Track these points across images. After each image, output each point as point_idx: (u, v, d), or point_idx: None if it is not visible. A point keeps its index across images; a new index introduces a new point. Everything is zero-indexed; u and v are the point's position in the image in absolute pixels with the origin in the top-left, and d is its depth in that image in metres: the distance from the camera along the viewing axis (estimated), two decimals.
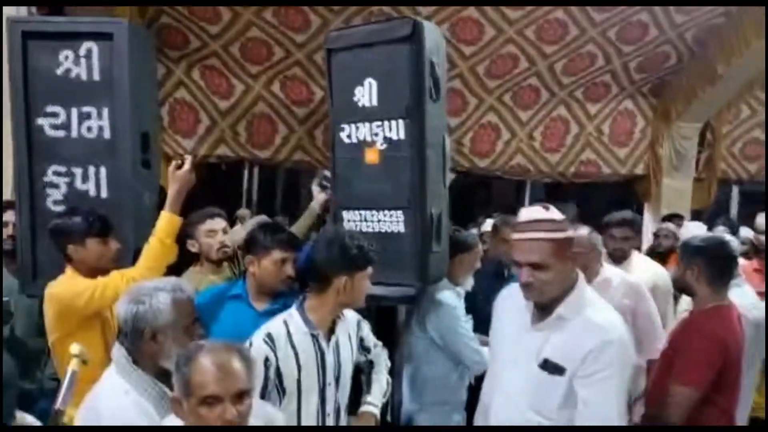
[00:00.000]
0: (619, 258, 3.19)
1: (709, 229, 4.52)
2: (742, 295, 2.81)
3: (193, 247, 2.81)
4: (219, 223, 2.84)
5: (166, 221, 2.43)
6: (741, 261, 3.57)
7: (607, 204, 6.57)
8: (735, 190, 6.91)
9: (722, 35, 5.12)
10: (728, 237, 2.80)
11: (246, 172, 6.95)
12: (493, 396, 1.98)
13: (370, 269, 1.95)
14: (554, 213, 1.82)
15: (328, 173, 2.72)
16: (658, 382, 2.51)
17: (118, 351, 1.70)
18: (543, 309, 1.86)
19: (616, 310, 1.91)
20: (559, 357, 1.80)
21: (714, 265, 2.43)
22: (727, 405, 2.44)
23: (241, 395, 1.41)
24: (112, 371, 1.68)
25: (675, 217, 5.34)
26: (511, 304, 1.96)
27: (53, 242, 2.46)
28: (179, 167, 2.49)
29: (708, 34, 5.21)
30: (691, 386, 2.31)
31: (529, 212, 1.84)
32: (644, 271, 3.18)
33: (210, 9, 4.87)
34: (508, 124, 5.87)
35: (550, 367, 1.82)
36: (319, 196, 2.86)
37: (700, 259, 2.44)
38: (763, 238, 4.10)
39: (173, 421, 1.49)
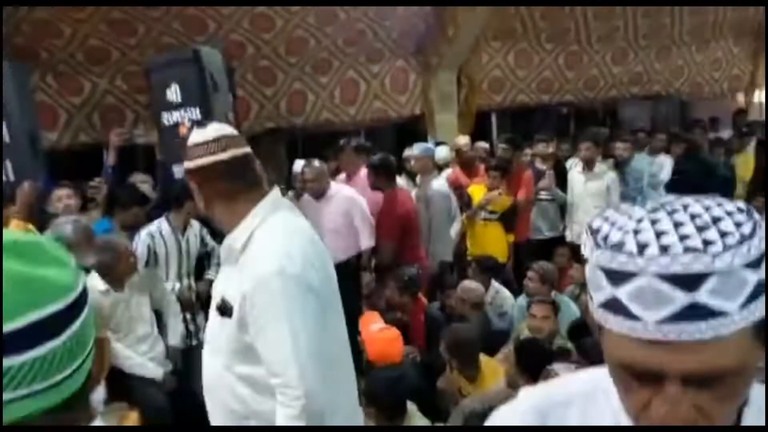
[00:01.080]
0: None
1: None
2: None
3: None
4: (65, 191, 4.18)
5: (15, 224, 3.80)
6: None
7: (401, 140, 8.61)
8: (493, 116, 9.11)
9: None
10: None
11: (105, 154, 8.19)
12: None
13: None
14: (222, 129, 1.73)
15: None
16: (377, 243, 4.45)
17: None
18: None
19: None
20: (230, 296, 1.65)
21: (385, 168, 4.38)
22: (412, 245, 4.44)
23: None
24: None
25: (441, 144, 7.33)
26: None
27: None
28: None
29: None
30: (388, 239, 4.25)
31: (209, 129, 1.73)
32: None
33: (53, 26, 6.12)
34: (312, 88, 7.60)
35: (224, 307, 1.67)
36: None
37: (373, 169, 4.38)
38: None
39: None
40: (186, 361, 3.60)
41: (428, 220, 4.81)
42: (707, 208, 0.67)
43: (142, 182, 4.35)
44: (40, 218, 4.05)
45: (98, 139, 6.92)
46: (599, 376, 0.80)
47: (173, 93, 4.05)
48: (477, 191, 5.39)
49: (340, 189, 4.65)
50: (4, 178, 4.25)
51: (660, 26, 8.39)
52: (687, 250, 0.63)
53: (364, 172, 4.80)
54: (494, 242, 5.16)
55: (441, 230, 5.01)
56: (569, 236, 5.54)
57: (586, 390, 0.84)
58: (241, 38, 6.73)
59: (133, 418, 3.13)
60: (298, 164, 4.96)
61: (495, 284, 4.55)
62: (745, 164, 7.53)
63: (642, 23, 8.22)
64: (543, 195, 5.62)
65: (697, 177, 6.60)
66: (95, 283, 3.27)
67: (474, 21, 7.21)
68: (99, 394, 2.99)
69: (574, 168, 5.73)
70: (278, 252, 1.62)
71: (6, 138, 4.22)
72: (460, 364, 3.27)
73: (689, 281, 0.63)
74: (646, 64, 8.78)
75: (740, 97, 9.74)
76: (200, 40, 6.49)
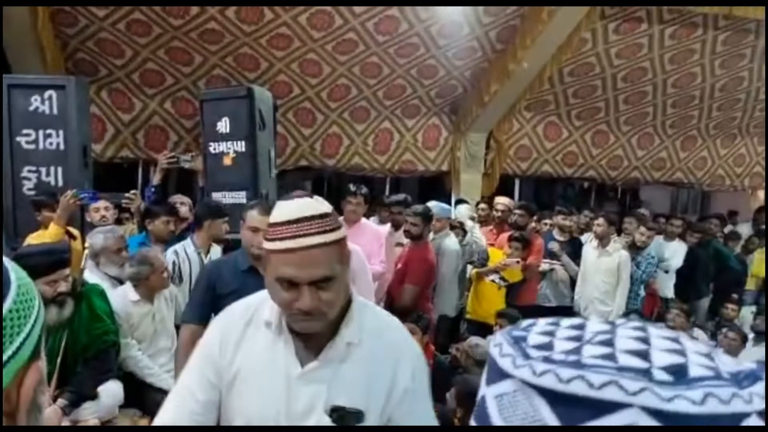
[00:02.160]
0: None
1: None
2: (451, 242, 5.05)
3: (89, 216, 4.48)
4: (102, 204, 4.41)
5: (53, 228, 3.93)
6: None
7: (422, 192, 8.86)
8: (517, 182, 9.37)
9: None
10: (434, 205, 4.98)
11: (140, 170, 8.50)
12: None
13: (225, 218, 3.89)
14: (324, 202, 1.36)
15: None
16: (396, 286, 4.64)
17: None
18: (312, 339, 1.39)
19: None
20: (358, 397, 1.36)
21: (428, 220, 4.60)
22: (427, 295, 4.63)
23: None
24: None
25: (461, 202, 7.58)
26: (250, 346, 1.43)
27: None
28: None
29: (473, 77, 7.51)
30: (415, 284, 4.45)
31: (294, 206, 1.33)
32: None
33: (115, 47, 6.54)
34: (348, 134, 7.93)
35: (345, 415, 1.36)
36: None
37: (419, 217, 4.60)
38: (497, 213, 6.40)
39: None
40: None
41: (438, 275, 5.02)
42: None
43: (181, 203, 4.61)
44: (81, 226, 4.33)
45: (140, 156, 7.29)
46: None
47: (223, 125, 4.35)
48: (495, 254, 5.59)
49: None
50: (52, 182, 4.55)
51: (687, 117, 8.66)
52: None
53: (365, 222, 4.73)
54: (496, 306, 5.30)
55: (448, 285, 5.23)
56: (576, 308, 5.69)
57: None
58: (289, 80, 7.11)
59: (142, 424, 3.32)
60: None
61: None
62: (761, 261, 7.65)
63: (670, 112, 8.50)
64: (553, 264, 5.79)
65: (709, 266, 6.76)
66: (128, 292, 3.50)
67: (509, 90, 7.54)
68: (117, 397, 3.19)
69: (589, 243, 5.91)
70: (402, 328, 1.52)
71: (61, 146, 4.54)
72: (466, 414, 3.41)
73: None
74: (671, 151, 9.02)
75: (760, 194, 9.91)
76: (251, 76, 6.90)
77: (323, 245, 1.30)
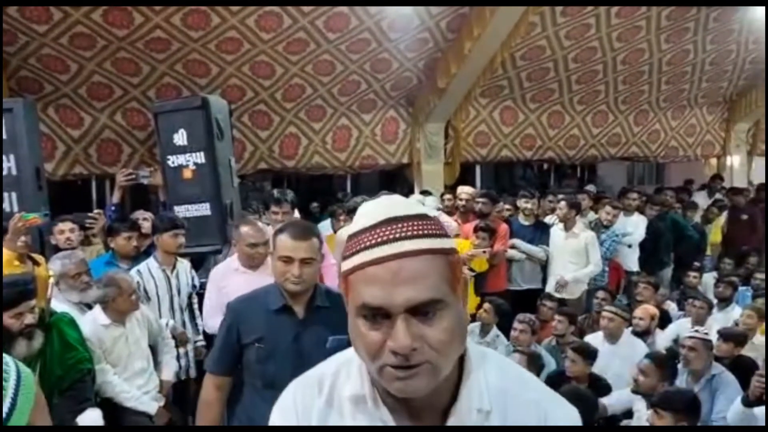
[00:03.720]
0: None
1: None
2: None
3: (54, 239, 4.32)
4: (67, 225, 4.25)
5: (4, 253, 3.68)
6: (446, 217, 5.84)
7: (383, 186, 8.86)
8: (478, 168, 9.44)
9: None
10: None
11: (94, 186, 8.25)
12: None
13: (176, 231, 3.81)
14: (420, 205, 1.10)
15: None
16: None
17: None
18: (420, 411, 0.97)
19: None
20: None
21: None
22: None
23: None
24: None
25: (425, 193, 7.61)
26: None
27: None
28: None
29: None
30: None
31: (380, 206, 0.97)
32: None
33: (59, 62, 6.33)
34: (306, 133, 7.86)
35: None
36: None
37: None
38: (461, 202, 6.44)
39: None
40: (178, 396, 3.72)
41: None
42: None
43: (144, 219, 4.51)
44: (41, 251, 4.20)
45: (94, 172, 7.10)
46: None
47: (180, 137, 4.26)
48: (461, 244, 5.62)
49: None
50: (7, 209, 4.40)
51: (638, 92, 8.84)
52: None
53: None
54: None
55: None
56: (548, 289, 5.77)
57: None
58: (241, 83, 7.00)
59: None
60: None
61: (496, 330, 4.72)
62: (716, 229, 7.91)
63: (622, 88, 8.67)
64: (516, 253, 5.85)
65: (668, 237, 6.94)
66: (97, 316, 3.42)
67: (464, 78, 7.57)
68: (97, 425, 3.11)
69: (556, 225, 6.00)
70: (541, 384, 1.10)
71: (13, 170, 4.39)
72: None
73: None
74: (624, 127, 9.21)
75: (713, 162, 10.21)
76: (202, 82, 6.77)
77: (425, 253, 0.89)
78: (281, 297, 2.34)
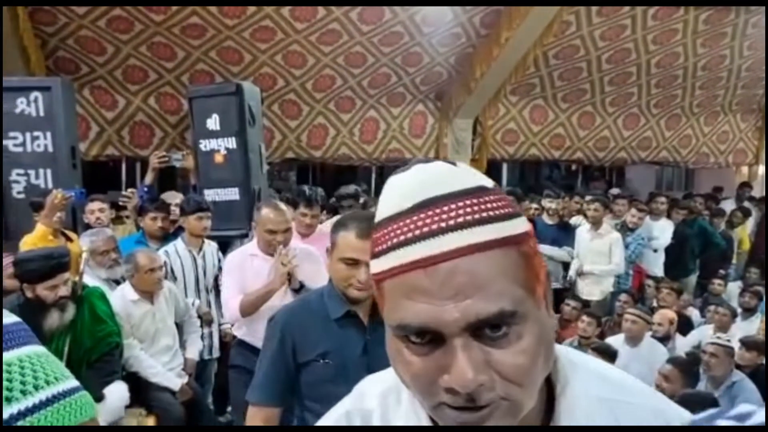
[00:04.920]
0: None
1: None
2: None
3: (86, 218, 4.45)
4: (98, 204, 4.39)
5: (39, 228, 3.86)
6: None
7: None
8: (504, 167, 9.42)
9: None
10: None
11: (124, 167, 8.40)
12: None
13: (200, 213, 3.86)
14: (476, 172, 0.72)
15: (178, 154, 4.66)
16: None
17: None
18: None
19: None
20: None
21: None
22: None
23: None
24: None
25: None
26: None
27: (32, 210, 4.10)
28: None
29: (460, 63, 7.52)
30: None
31: (418, 179, 0.68)
32: None
33: (96, 44, 6.46)
34: (334, 124, 7.91)
35: None
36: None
37: None
38: None
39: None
40: (201, 374, 3.80)
41: None
42: None
43: (176, 204, 4.59)
44: (74, 228, 4.31)
45: (125, 153, 7.23)
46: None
47: (213, 122, 4.33)
48: None
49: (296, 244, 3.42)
50: (42, 185, 4.51)
51: (671, 96, 8.73)
52: None
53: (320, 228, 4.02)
54: None
55: None
56: (573, 289, 5.77)
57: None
58: (273, 72, 7.06)
59: (149, 423, 3.33)
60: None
61: None
62: (744, 236, 7.80)
63: (655, 91, 8.57)
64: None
65: (695, 243, 6.86)
66: (127, 292, 3.50)
67: (495, 75, 7.55)
68: (123, 398, 3.19)
69: (582, 226, 5.98)
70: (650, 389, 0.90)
71: (49, 147, 4.49)
72: None
73: None
74: (656, 131, 9.10)
75: (744, 170, 10.05)
76: (234, 70, 6.85)
77: (487, 247, 0.63)
78: (343, 303, 1.95)
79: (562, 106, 8.57)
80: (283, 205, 3.30)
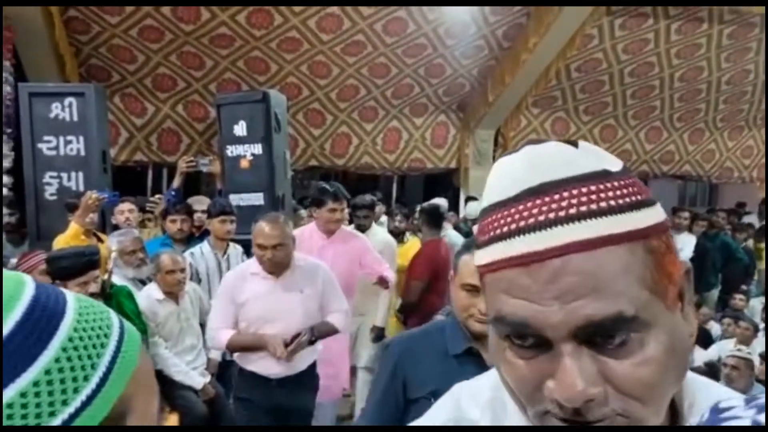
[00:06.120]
0: (362, 228, 4.33)
1: None
2: (453, 235, 5.11)
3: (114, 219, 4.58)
4: (127, 206, 4.50)
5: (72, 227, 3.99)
6: None
7: (428, 189, 8.96)
8: None
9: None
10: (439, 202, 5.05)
11: (150, 173, 8.55)
12: None
13: (224, 217, 3.93)
14: (599, 151, 0.61)
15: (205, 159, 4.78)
16: (406, 282, 4.71)
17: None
18: None
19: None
20: None
21: (429, 216, 4.66)
22: (439, 291, 4.70)
23: None
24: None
25: (472, 199, 7.66)
26: None
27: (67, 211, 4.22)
28: None
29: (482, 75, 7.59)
30: (417, 279, 4.52)
31: (530, 161, 0.59)
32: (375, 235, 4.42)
33: (128, 53, 6.65)
34: (357, 133, 8.02)
35: None
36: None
37: (423, 215, 4.67)
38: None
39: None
40: (223, 374, 3.88)
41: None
42: None
43: (202, 210, 4.70)
44: (103, 229, 4.43)
45: (153, 159, 7.40)
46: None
47: (240, 128, 4.44)
48: None
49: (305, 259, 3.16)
50: (73, 188, 4.66)
51: (695, 110, 8.71)
52: None
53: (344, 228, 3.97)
54: None
55: None
56: None
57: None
58: (298, 81, 7.20)
59: (172, 420, 3.41)
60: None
61: None
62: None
63: (678, 105, 8.56)
64: None
65: (717, 258, 6.82)
66: (153, 291, 3.60)
67: (517, 87, 7.61)
68: None
69: None
70: None
71: (81, 152, 4.64)
72: None
73: None
74: (679, 144, 9.09)
75: None
76: (261, 79, 7.00)
77: (606, 243, 0.54)
78: (464, 338, 1.74)
79: (584, 118, 8.60)
80: (283, 220, 3.03)
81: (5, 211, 4.72)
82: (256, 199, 4.47)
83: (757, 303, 6.25)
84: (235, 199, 4.47)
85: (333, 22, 6.59)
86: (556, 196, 0.55)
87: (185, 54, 6.74)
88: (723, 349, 4.67)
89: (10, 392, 0.46)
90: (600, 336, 0.54)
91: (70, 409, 0.49)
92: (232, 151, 4.52)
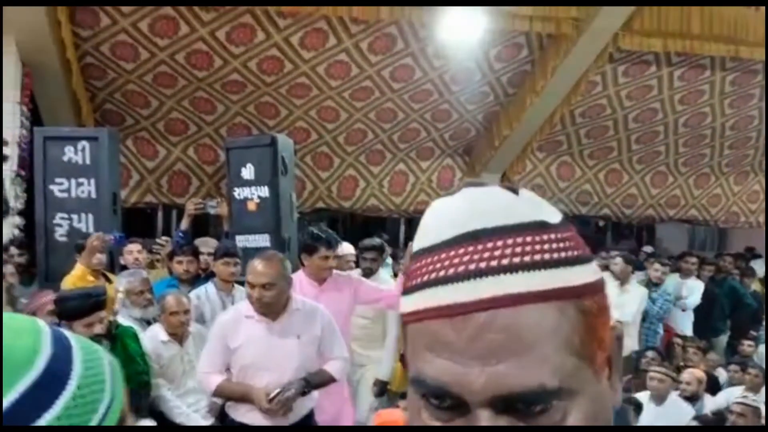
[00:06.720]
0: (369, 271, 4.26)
1: None
2: None
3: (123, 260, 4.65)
4: (136, 246, 4.65)
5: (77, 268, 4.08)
6: None
7: None
8: None
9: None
10: None
11: (160, 215, 8.63)
12: None
13: (227, 259, 3.96)
14: (536, 199, 0.57)
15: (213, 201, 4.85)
16: None
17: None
18: None
19: None
20: None
21: None
22: None
23: None
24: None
25: None
26: None
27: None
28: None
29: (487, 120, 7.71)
30: None
31: (464, 206, 0.54)
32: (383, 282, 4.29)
33: (142, 98, 6.83)
34: (364, 176, 8.12)
35: None
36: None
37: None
38: None
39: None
40: (224, 417, 3.88)
41: None
42: None
43: (207, 249, 4.76)
44: (111, 269, 4.50)
45: (162, 201, 7.51)
46: None
47: (248, 171, 4.54)
48: None
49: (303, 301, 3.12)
50: (83, 229, 4.74)
51: (700, 155, 8.76)
52: None
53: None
54: None
55: None
56: None
57: None
58: (307, 126, 7.35)
59: None
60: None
61: None
62: None
63: (682, 150, 8.62)
64: None
65: (725, 303, 6.78)
66: (158, 332, 3.64)
67: (522, 132, 7.71)
68: None
69: (610, 281, 5.99)
70: None
71: (92, 194, 4.74)
72: None
73: None
74: (684, 189, 9.11)
75: None
76: (270, 123, 7.14)
77: (536, 299, 0.50)
78: None
79: (589, 163, 8.67)
80: (279, 259, 2.98)
81: (16, 251, 4.80)
82: (262, 240, 4.53)
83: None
84: (242, 241, 4.53)
85: (342, 68, 6.76)
86: (489, 245, 0.51)
87: (197, 99, 6.90)
88: (731, 396, 4.61)
89: None
90: (521, 403, 0.50)
91: None
92: (239, 193, 4.61)
